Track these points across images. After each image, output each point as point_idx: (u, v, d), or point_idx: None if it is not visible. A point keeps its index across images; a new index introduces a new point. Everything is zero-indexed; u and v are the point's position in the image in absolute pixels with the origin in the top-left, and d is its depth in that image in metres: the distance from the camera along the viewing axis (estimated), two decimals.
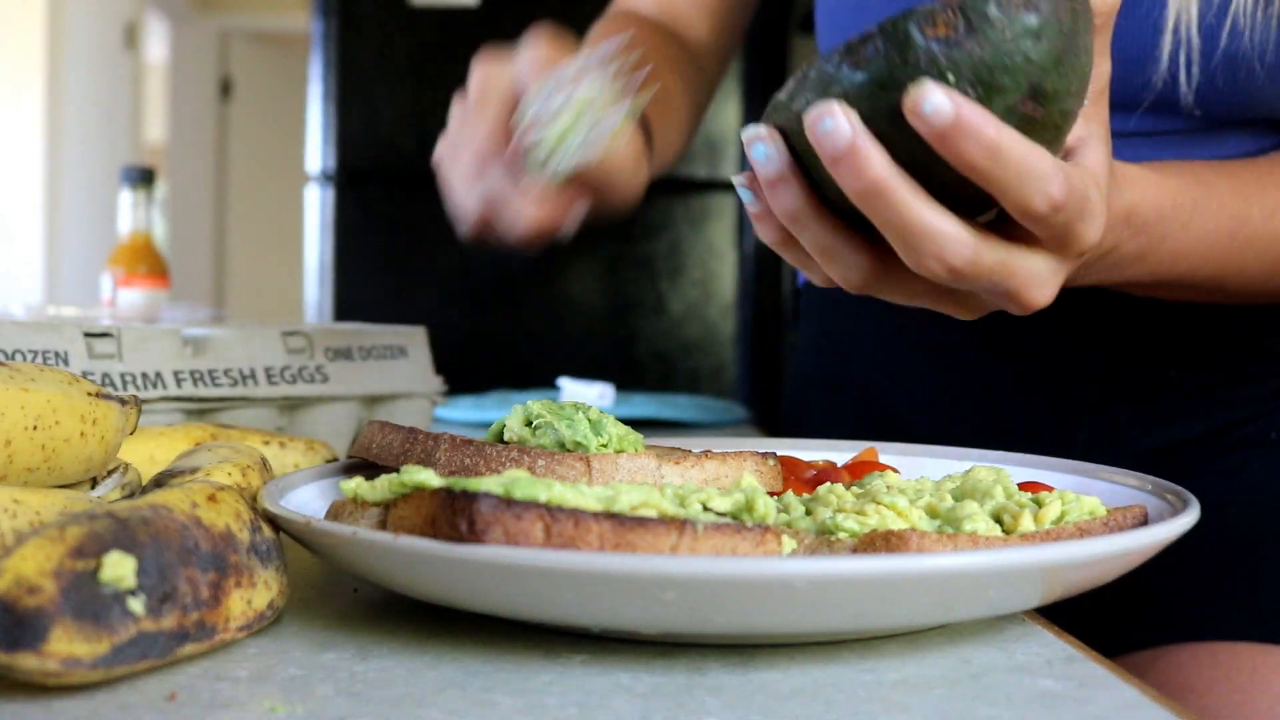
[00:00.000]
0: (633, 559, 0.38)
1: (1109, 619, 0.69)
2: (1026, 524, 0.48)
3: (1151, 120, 0.75)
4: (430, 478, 0.44)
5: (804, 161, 0.49)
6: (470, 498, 0.40)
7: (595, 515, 0.41)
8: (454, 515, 0.40)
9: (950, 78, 0.45)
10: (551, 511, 0.40)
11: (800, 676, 0.40)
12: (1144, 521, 0.51)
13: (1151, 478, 0.56)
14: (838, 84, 0.46)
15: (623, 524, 0.41)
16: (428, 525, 0.42)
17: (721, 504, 0.47)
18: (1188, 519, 0.47)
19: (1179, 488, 0.53)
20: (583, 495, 0.43)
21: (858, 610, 0.40)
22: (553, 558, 0.38)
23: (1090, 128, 0.52)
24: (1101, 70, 0.52)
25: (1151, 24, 0.71)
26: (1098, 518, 0.50)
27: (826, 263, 0.52)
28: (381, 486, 0.46)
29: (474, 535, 0.40)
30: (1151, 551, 0.46)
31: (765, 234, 0.53)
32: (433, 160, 0.67)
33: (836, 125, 0.45)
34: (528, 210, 0.61)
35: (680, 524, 0.41)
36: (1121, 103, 0.74)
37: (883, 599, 0.40)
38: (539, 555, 0.38)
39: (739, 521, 0.45)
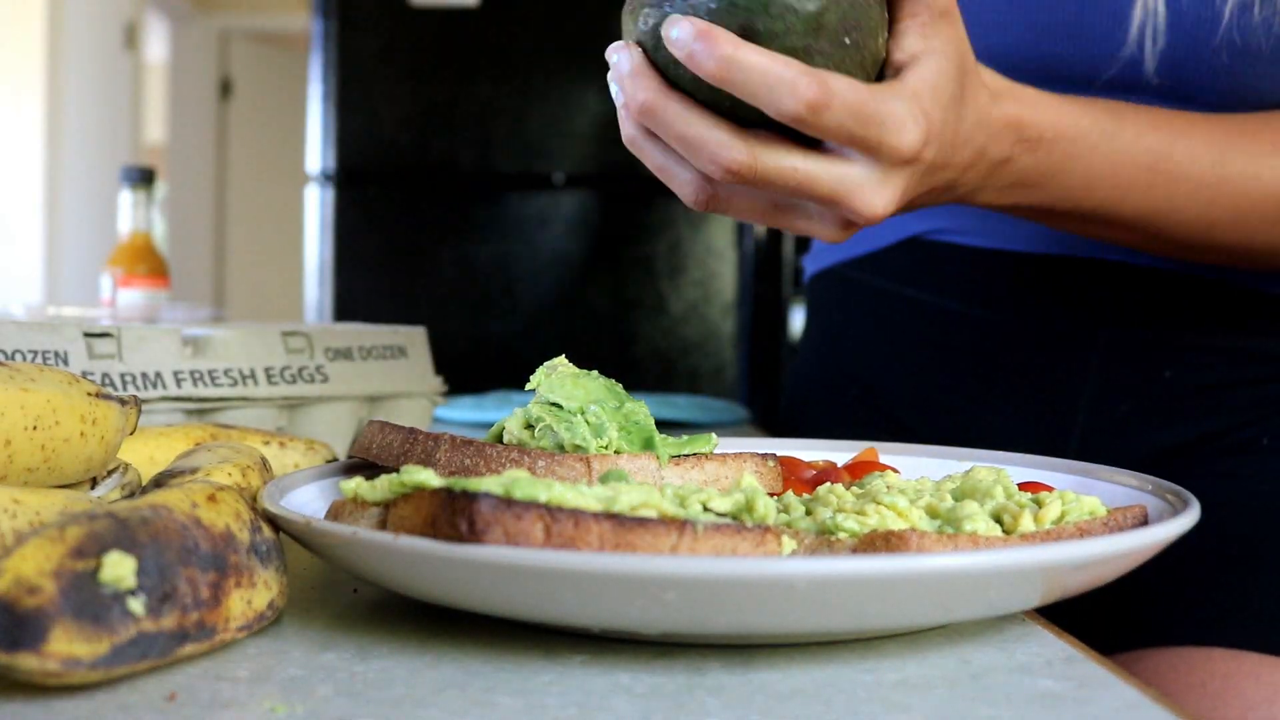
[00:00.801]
0: (633, 559, 0.38)
1: (1087, 622, 0.69)
2: (1026, 524, 0.48)
3: (1116, 97, 0.75)
4: (430, 478, 0.44)
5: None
6: (470, 498, 0.40)
7: (595, 515, 0.41)
8: (454, 515, 0.40)
9: (700, 14, 0.52)
10: (551, 511, 0.40)
11: (800, 676, 0.40)
12: (1144, 521, 0.51)
13: (1152, 478, 0.56)
14: (644, 11, 0.55)
15: (623, 524, 0.41)
16: (428, 525, 0.42)
17: (721, 504, 0.47)
18: (1188, 519, 0.47)
19: (1179, 488, 0.53)
20: (583, 495, 0.43)
21: (858, 610, 0.40)
22: (553, 558, 0.38)
23: (928, 44, 0.55)
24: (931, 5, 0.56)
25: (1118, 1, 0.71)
26: (1098, 518, 0.50)
27: (690, 150, 0.56)
28: (381, 486, 0.46)
29: (474, 535, 0.40)
30: (1152, 552, 0.46)
31: (622, 128, 0.59)
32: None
33: (620, 57, 0.55)
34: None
35: (680, 524, 0.41)
36: (1084, 77, 0.74)
37: (883, 599, 0.40)
38: (539, 555, 0.38)
39: (739, 522, 0.45)
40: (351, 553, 0.43)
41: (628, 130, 0.58)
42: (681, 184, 0.58)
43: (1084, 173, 0.64)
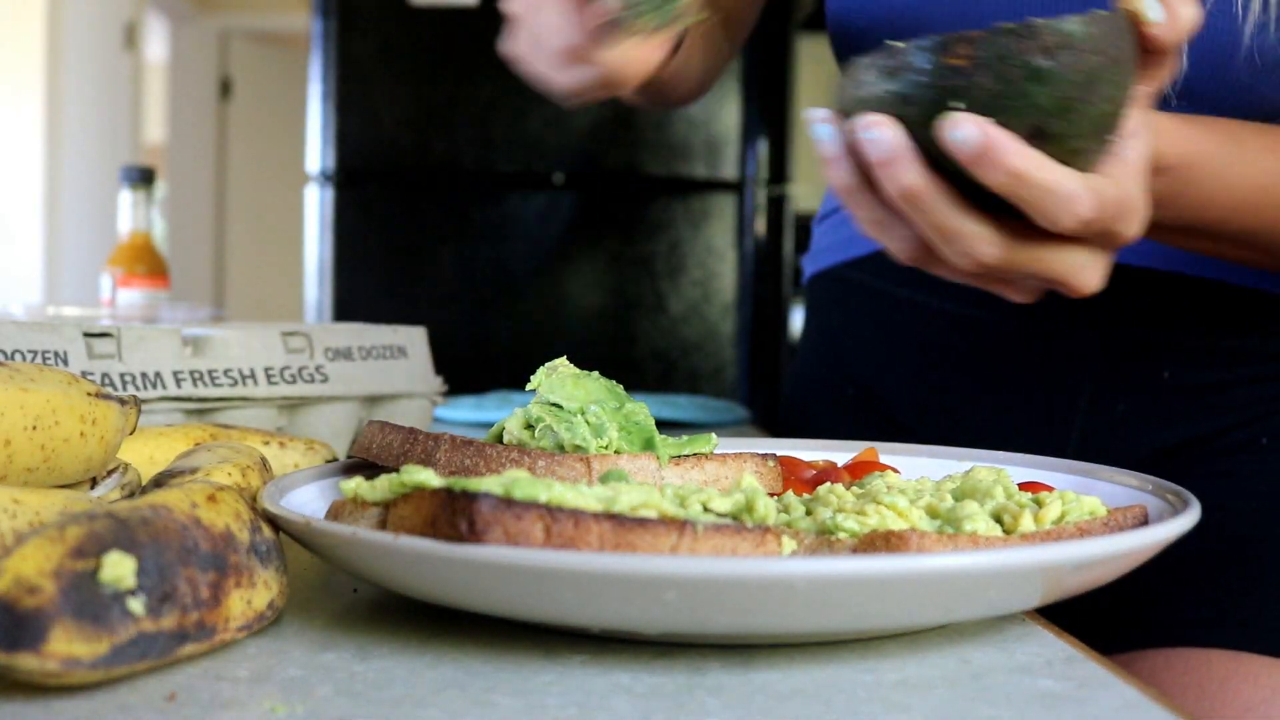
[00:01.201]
0: (633, 559, 0.38)
1: (1086, 621, 0.69)
2: (1026, 524, 0.48)
3: None
4: (430, 478, 0.44)
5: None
6: (470, 498, 0.40)
7: (595, 515, 0.41)
8: (454, 515, 0.40)
9: (961, 104, 0.49)
10: (552, 512, 0.40)
11: (800, 676, 0.40)
12: (1144, 521, 0.51)
13: (1152, 478, 0.56)
14: (870, 89, 0.51)
15: (623, 524, 0.41)
16: (428, 525, 0.42)
17: (722, 505, 0.46)
18: (1188, 519, 0.47)
19: (1179, 488, 0.53)
20: (583, 495, 0.43)
21: (858, 610, 0.40)
22: (553, 558, 0.38)
23: (1144, 118, 0.55)
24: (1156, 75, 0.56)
25: None
26: (1098, 518, 0.50)
27: (894, 225, 0.56)
28: (381, 486, 0.46)
29: (474, 535, 0.40)
30: (1151, 552, 0.46)
31: (836, 177, 0.57)
32: (506, 51, 0.70)
33: (880, 135, 0.51)
34: (630, 53, 0.63)
35: (680, 524, 0.41)
36: None
37: (883, 599, 0.40)
38: (539, 555, 0.38)
39: (739, 522, 0.45)
40: (351, 553, 0.43)
41: (846, 180, 0.55)
42: (899, 241, 0.57)
43: (1202, 195, 0.64)
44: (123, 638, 0.37)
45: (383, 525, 0.46)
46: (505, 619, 0.43)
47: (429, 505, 0.42)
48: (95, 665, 0.36)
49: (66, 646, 0.35)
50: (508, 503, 0.40)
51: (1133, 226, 0.54)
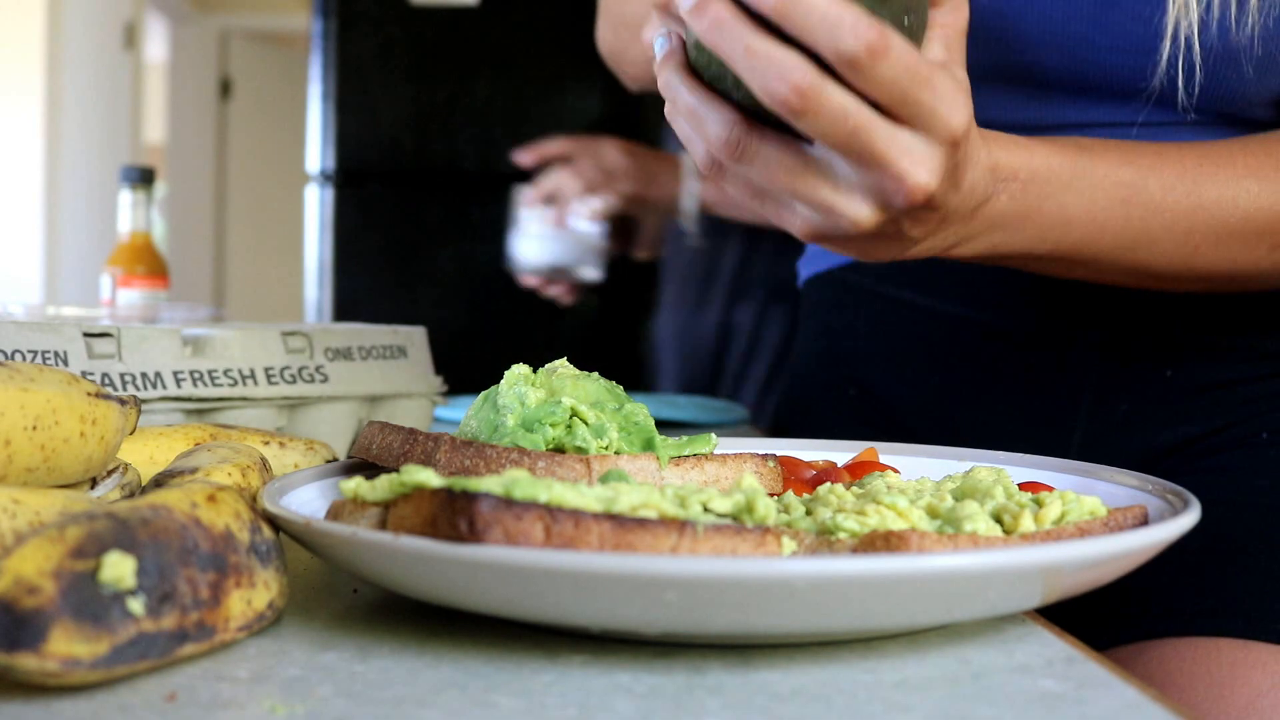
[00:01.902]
0: (633, 559, 0.38)
1: (1094, 613, 0.69)
2: (1027, 524, 0.48)
3: (1155, 112, 0.75)
4: (430, 477, 0.44)
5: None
6: (470, 498, 0.40)
7: (595, 516, 0.41)
8: (454, 515, 0.40)
9: None
10: (552, 512, 0.40)
11: (800, 676, 0.40)
12: (1144, 521, 0.51)
13: (1152, 478, 0.56)
14: None
15: (623, 525, 0.41)
16: (428, 525, 0.42)
17: (722, 505, 0.46)
18: (1188, 519, 0.47)
19: (1179, 488, 0.53)
20: (583, 496, 0.43)
21: (858, 610, 0.40)
22: (553, 558, 0.38)
23: (951, 55, 0.56)
24: (957, 19, 0.56)
25: (1149, 20, 0.71)
26: (1098, 518, 0.50)
27: (695, 125, 0.56)
28: (381, 486, 0.46)
29: (474, 535, 0.40)
30: (1152, 552, 0.46)
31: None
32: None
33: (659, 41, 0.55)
34: None
35: (680, 525, 0.41)
36: (1126, 87, 0.74)
37: (883, 599, 0.40)
38: (539, 555, 0.38)
39: (739, 523, 0.45)
40: (351, 553, 0.43)
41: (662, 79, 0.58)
42: (710, 132, 0.57)
43: (1060, 211, 0.64)
44: (122, 638, 0.37)
45: (382, 525, 0.46)
46: (505, 619, 0.43)
47: (429, 505, 0.42)
48: (95, 665, 0.36)
49: (66, 647, 0.35)
50: (508, 503, 0.40)
51: (953, 115, 0.52)
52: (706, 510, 0.46)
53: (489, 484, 0.42)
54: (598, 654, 0.42)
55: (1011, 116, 0.77)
